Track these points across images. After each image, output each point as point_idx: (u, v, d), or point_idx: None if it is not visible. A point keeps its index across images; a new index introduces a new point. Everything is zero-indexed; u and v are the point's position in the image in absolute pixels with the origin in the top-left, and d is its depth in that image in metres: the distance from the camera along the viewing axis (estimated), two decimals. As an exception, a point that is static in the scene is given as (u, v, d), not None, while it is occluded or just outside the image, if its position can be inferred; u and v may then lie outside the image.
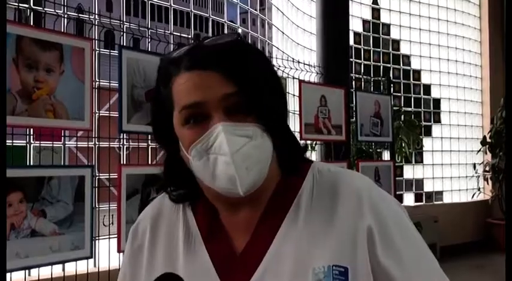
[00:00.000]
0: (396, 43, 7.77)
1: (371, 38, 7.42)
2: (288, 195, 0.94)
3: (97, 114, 3.28)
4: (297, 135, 3.76)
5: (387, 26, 7.69)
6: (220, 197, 0.92)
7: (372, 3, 7.52)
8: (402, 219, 0.94)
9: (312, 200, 0.93)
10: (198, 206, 0.99)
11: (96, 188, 2.81)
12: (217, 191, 0.88)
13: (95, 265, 3.10)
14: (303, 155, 1.00)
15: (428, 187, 7.82)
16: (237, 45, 0.90)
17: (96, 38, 3.11)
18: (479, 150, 7.84)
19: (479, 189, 7.84)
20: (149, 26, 3.52)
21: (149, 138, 3.49)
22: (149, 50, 3.34)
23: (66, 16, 2.98)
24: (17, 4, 2.63)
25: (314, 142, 4.64)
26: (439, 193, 7.94)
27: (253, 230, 0.92)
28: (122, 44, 2.92)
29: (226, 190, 0.86)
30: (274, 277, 0.86)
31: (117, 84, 2.64)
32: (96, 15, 3.23)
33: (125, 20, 3.51)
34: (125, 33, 3.20)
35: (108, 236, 2.87)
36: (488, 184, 7.87)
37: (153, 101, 0.98)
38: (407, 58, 7.86)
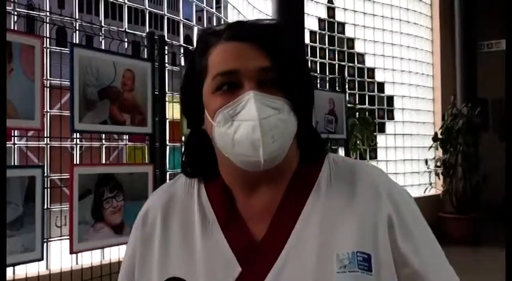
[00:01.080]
0: (351, 41, 7.88)
1: (326, 36, 7.51)
2: (307, 181, 0.94)
3: (48, 113, 3.22)
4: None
5: (342, 25, 7.80)
6: (237, 176, 0.93)
7: (327, 2, 7.61)
8: (415, 208, 0.97)
9: (330, 187, 0.94)
10: (213, 192, 0.97)
11: (48, 189, 2.76)
12: (236, 162, 0.89)
13: (47, 267, 3.05)
14: (322, 146, 1.01)
15: (382, 183, 7.97)
16: (277, 26, 0.94)
17: (47, 35, 3.05)
18: (431, 146, 8.05)
19: (430, 184, 8.05)
20: (102, 24, 3.47)
21: (103, 137, 3.45)
22: (103, 48, 3.31)
23: (15, 13, 2.90)
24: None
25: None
26: (393, 188, 8.08)
27: (273, 217, 0.91)
28: (74, 41, 2.88)
29: (246, 158, 0.86)
30: (297, 264, 0.86)
31: (69, 83, 2.60)
32: (47, 12, 3.16)
33: (77, 17, 3.46)
34: (77, 31, 3.15)
35: (60, 238, 2.83)
36: (439, 179, 8.08)
37: (186, 70, 0.99)
38: (361, 56, 7.99)
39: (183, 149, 1.04)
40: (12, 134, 2.98)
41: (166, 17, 4.95)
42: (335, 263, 0.84)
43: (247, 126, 0.85)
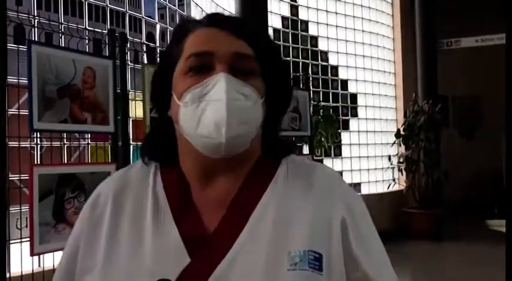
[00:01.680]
0: (314, 39, 7.94)
1: (290, 34, 7.54)
2: (265, 175, 0.94)
3: (6, 112, 3.13)
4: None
5: (305, 23, 7.84)
6: (196, 164, 0.92)
7: (291, 1, 7.64)
8: (368, 216, 0.98)
9: (287, 184, 0.93)
10: (169, 180, 0.95)
11: (7, 190, 2.68)
12: (197, 145, 0.88)
13: (7, 271, 2.96)
14: (290, 148, 1.01)
15: (347, 179, 8.06)
16: (255, 22, 0.96)
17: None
18: (394, 142, 8.18)
19: (394, 180, 8.18)
20: (62, 21, 3.40)
21: (63, 136, 3.38)
22: (62, 45, 3.24)
23: (-31, 9, 2.81)
24: None
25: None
26: (358, 185, 8.20)
27: (228, 208, 0.89)
28: (32, 39, 2.81)
29: (208, 140, 0.86)
30: (249, 258, 0.84)
31: (27, 81, 2.54)
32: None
33: (35, 14, 3.38)
34: (35, 28, 3.07)
35: (20, 240, 2.75)
36: (402, 174, 8.22)
37: (161, 56, 0.99)
38: (325, 54, 8.06)
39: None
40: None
41: (127, 14, 4.88)
42: (286, 260, 0.84)
43: (214, 105, 0.85)
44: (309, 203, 0.91)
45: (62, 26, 3.38)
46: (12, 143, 2.90)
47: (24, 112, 2.80)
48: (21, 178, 2.91)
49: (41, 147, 3.52)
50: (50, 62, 2.58)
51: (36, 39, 2.96)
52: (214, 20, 0.92)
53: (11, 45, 3.25)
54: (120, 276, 0.87)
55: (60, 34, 3.25)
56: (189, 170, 0.94)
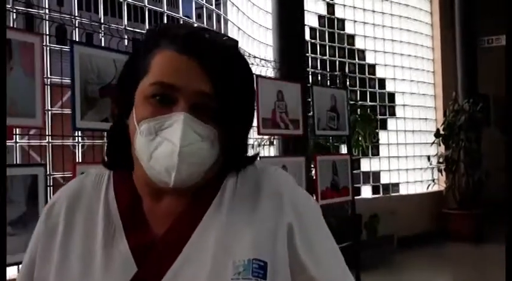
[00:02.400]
0: (351, 38, 7.86)
1: (326, 33, 7.49)
2: (212, 188, 0.94)
3: (50, 111, 3.20)
4: (255, 130, 3.76)
5: (342, 21, 7.77)
6: (147, 184, 0.92)
7: (327, -1, 7.59)
8: (319, 217, 0.98)
9: (234, 194, 0.94)
10: (121, 191, 0.97)
11: (51, 187, 2.73)
12: (148, 175, 0.89)
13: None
14: (250, 161, 1.00)
15: (385, 179, 7.96)
16: (229, 50, 0.92)
17: (47, 33, 3.03)
18: (433, 142, 8.03)
19: (433, 180, 8.03)
20: (102, 21, 3.45)
21: (104, 135, 3.42)
22: (102, 45, 3.28)
23: (14, 10, 2.88)
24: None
25: (272, 137, 4.65)
26: (396, 185, 8.09)
27: (174, 220, 0.91)
28: (74, 39, 2.86)
29: (158, 176, 0.87)
30: (194, 267, 0.86)
31: (69, 81, 2.58)
32: (47, 10, 3.14)
33: (76, 14, 3.43)
34: (77, 28, 3.13)
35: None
36: (442, 175, 8.07)
37: (128, 61, 0.97)
38: (362, 53, 7.97)
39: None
40: (14, 133, 2.96)
41: (166, 14, 4.93)
42: (230, 270, 0.85)
43: (167, 147, 0.85)
44: (255, 211, 0.91)
45: (102, 26, 3.43)
46: (56, 142, 2.95)
47: (67, 111, 2.85)
48: (65, 175, 2.96)
49: (82, 145, 3.58)
50: (91, 62, 2.62)
51: (77, 40, 3.01)
52: (184, 45, 0.88)
53: (53, 46, 3.32)
54: None
55: (101, 34, 3.29)
56: (140, 185, 0.95)
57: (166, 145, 0.85)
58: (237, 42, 0.98)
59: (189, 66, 0.86)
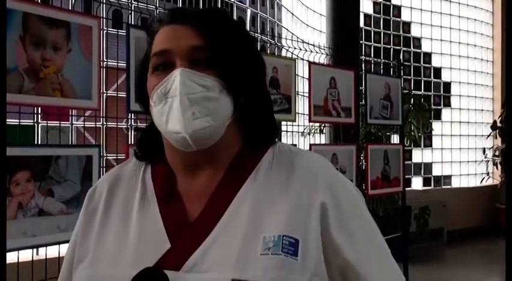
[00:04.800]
0: (407, 25, 7.67)
1: (381, 20, 7.33)
2: (247, 165, 0.96)
3: (105, 94, 3.26)
4: (306, 117, 3.72)
5: (398, 8, 7.59)
6: (177, 157, 0.96)
7: (383, -15, 7.42)
8: (357, 201, 0.97)
9: (269, 173, 0.95)
10: (157, 172, 1.00)
11: (104, 168, 2.79)
12: (170, 140, 0.92)
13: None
14: (271, 135, 1.01)
15: (436, 171, 7.78)
16: (217, 11, 0.98)
17: (104, 16, 3.07)
18: (489, 134, 7.79)
19: (488, 174, 7.80)
20: (157, 5, 3.48)
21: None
22: (157, 29, 3.31)
23: (73, -6, 2.93)
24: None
25: (323, 124, 4.61)
26: (448, 177, 7.90)
27: (209, 198, 0.93)
28: (129, 22, 2.89)
29: (175, 135, 0.89)
30: (224, 244, 0.87)
31: (124, 64, 2.61)
32: (104, -6, 3.18)
33: (133, -2, 3.47)
34: (133, 12, 3.16)
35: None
36: (497, 169, 7.82)
37: (140, 59, 1.01)
38: (417, 41, 7.77)
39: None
40: (70, 114, 3.04)
41: (219, -1, 4.93)
42: (260, 245, 0.85)
43: (173, 103, 0.88)
44: (288, 189, 0.92)
45: (158, 10, 3.46)
46: (110, 124, 3.01)
47: (122, 94, 2.89)
48: (118, 157, 3.02)
49: (135, 128, 3.64)
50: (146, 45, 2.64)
51: (132, 23, 3.04)
52: (175, 16, 0.94)
53: (111, 30, 3.38)
54: (106, 263, 0.92)
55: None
56: (172, 163, 0.98)
57: (172, 102, 0.88)
58: (220, 9, 1.04)
59: (179, 30, 0.92)
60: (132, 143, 3.41)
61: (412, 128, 6.23)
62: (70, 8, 2.69)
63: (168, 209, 0.94)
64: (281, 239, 0.86)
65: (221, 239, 0.88)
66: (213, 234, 0.88)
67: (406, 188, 4.89)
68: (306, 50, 4.13)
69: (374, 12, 7.25)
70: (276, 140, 1.02)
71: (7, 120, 2.58)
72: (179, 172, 0.97)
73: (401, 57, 7.33)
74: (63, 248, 2.75)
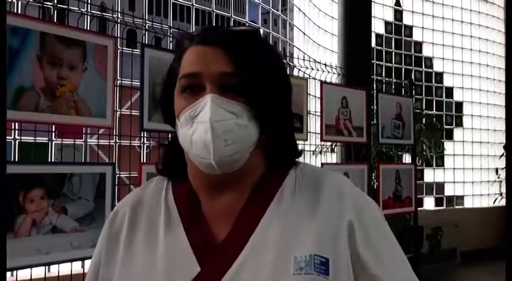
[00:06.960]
0: (418, 45, 7.68)
1: (393, 39, 7.35)
2: (271, 187, 0.96)
3: (118, 112, 3.29)
4: (318, 136, 3.73)
5: (410, 28, 7.62)
6: (201, 179, 0.96)
7: (395, 5, 7.45)
8: (380, 219, 0.98)
9: (294, 193, 0.95)
10: (180, 194, 1.00)
11: (117, 186, 2.81)
12: (195, 162, 0.91)
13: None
14: (294, 157, 1.02)
15: (449, 191, 7.72)
16: (248, 33, 0.97)
17: (119, 36, 3.12)
18: (502, 154, 7.72)
19: (501, 194, 7.72)
20: (171, 25, 3.52)
21: (170, 137, 3.49)
22: (171, 48, 3.35)
23: (89, 14, 2.99)
24: (41, 2, 2.65)
25: (334, 144, 4.60)
26: (460, 198, 7.83)
27: (235, 219, 0.93)
28: (143, 42, 2.93)
29: (201, 159, 0.89)
30: (255, 265, 0.87)
31: (138, 83, 2.64)
32: (119, 14, 3.24)
33: (147, 18, 3.52)
34: (147, 32, 3.20)
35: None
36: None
37: (165, 74, 1.01)
38: (429, 60, 7.77)
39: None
40: (84, 132, 3.06)
41: (232, 19, 4.98)
42: (292, 265, 0.86)
43: (201, 128, 0.88)
44: (316, 209, 0.92)
45: (171, 30, 3.50)
46: (123, 142, 3.03)
47: (135, 113, 2.92)
48: (131, 175, 3.03)
49: (147, 146, 3.66)
50: (160, 64, 2.67)
51: (146, 43, 3.08)
52: (204, 37, 0.94)
53: (124, 49, 3.42)
54: None
55: (170, 38, 3.36)
56: (197, 184, 0.98)
57: (200, 127, 0.88)
58: (256, 28, 1.02)
59: (210, 54, 0.91)
60: (145, 161, 3.43)
61: (424, 147, 6.20)
62: (86, 28, 2.73)
63: (193, 232, 0.94)
64: (312, 258, 0.86)
65: (251, 261, 0.88)
66: (242, 256, 0.88)
67: (418, 208, 4.86)
68: (318, 70, 4.15)
69: (385, 32, 7.28)
70: (297, 160, 1.02)
71: (22, 138, 2.62)
72: (201, 191, 0.97)
73: (412, 76, 7.34)
74: (76, 266, 2.76)
